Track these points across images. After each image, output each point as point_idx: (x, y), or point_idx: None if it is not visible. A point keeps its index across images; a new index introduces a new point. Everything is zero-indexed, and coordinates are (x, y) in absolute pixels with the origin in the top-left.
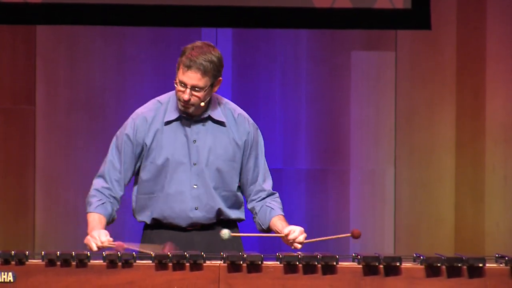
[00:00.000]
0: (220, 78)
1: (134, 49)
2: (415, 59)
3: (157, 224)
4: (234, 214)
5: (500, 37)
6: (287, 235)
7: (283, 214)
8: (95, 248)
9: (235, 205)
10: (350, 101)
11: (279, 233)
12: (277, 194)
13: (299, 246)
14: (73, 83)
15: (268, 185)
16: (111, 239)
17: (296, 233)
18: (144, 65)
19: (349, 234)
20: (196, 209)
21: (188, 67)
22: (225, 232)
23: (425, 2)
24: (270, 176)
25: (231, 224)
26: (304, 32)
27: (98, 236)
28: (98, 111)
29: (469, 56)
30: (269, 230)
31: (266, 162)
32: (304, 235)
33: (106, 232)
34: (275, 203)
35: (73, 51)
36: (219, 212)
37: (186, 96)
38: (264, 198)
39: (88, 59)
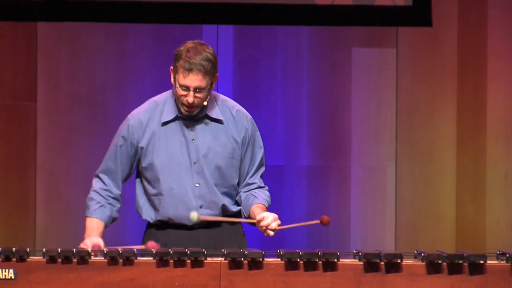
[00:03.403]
0: (217, 74)
1: (135, 46)
2: (416, 56)
3: (163, 224)
4: (235, 209)
5: (501, 33)
6: (259, 221)
7: (265, 204)
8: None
9: (236, 200)
10: (351, 97)
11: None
12: (266, 188)
13: (271, 233)
14: (74, 80)
15: (256, 177)
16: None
17: (269, 219)
18: (145, 62)
19: (318, 221)
20: (201, 207)
21: (189, 70)
22: (194, 215)
23: None
24: (263, 170)
25: (233, 223)
26: (305, 29)
27: (92, 245)
28: (99, 108)
29: (470, 52)
30: (249, 218)
31: (263, 157)
32: (278, 222)
33: (100, 240)
34: (261, 193)
35: (74, 47)
36: (224, 208)
37: (190, 99)
38: (252, 190)
39: (89, 55)
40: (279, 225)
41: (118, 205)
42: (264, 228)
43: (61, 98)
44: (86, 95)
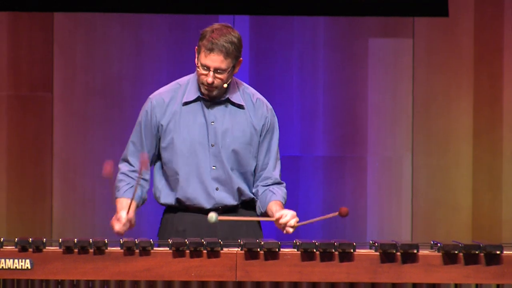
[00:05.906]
0: (241, 58)
1: (151, 36)
2: (433, 46)
3: (180, 207)
4: (251, 194)
5: None
6: (278, 219)
7: (282, 201)
8: (116, 228)
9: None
10: (368, 88)
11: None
12: (284, 184)
13: (290, 230)
14: (90, 70)
15: (276, 173)
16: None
17: (288, 217)
18: (161, 52)
19: (336, 213)
20: (217, 190)
21: (211, 50)
22: (212, 216)
23: None
24: (280, 165)
25: (252, 209)
26: (321, 19)
27: (118, 217)
28: (115, 97)
29: (486, 43)
30: (266, 214)
31: (278, 150)
32: (296, 219)
33: (124, 211)
34: (279, 190)
35: (90, 38)
36: (240, 191)
37: (210, 79)
38: (269, 185)
39: (105, 46)
40: (297, 222)
41: (147, 187)
42: (282, 225)
43: (77, 88)
44: (102, 85)
